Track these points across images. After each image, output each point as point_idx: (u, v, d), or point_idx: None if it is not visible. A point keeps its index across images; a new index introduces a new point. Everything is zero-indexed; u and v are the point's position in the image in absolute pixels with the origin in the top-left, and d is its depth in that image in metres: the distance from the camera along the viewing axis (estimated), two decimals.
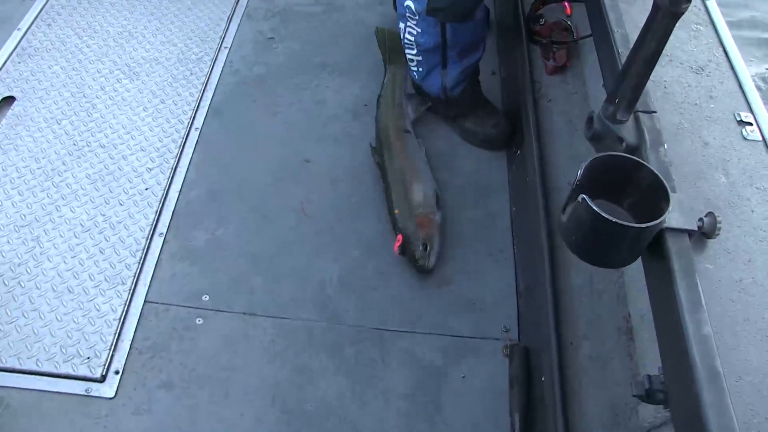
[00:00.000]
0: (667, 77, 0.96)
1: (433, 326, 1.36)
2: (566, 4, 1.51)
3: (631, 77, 0.82)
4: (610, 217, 0.73)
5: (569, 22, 1.50)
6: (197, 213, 1.49)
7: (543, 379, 1.19)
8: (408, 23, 1.52)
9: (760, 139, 0.87)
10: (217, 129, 1.66)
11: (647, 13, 0.78)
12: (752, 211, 0.81)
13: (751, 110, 0.90)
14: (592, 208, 0.74)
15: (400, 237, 1.43)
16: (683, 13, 0.73)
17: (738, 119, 0.89)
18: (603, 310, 1.09)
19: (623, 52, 0.93)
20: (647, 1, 0.96)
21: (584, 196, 0.76)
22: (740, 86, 0.93)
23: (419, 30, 1.51)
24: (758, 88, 0.92)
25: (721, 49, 0.99)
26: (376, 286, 1.41)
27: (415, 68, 1.61)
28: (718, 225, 0.76)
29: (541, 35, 1.54)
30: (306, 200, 1.54)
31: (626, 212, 0.83)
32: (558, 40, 1.49)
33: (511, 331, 1.35)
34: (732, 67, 0.97)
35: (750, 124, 0.89)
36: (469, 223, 1.53)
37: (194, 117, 1.67)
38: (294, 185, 1.56)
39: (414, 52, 1.57)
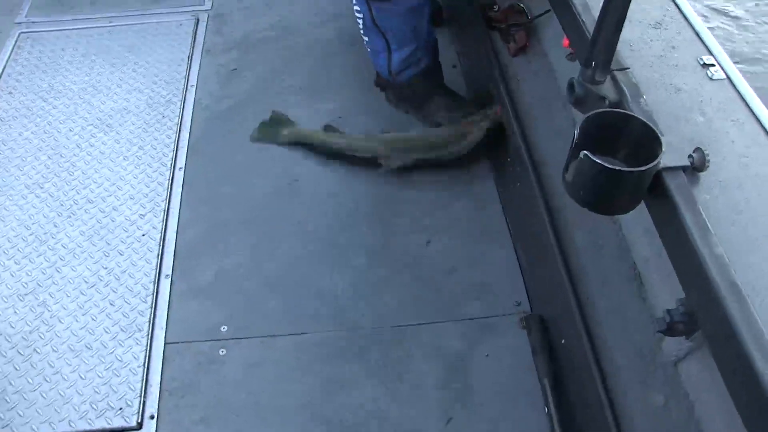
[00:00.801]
0: (631, 36, 1.04)
1: (449, 314, 1.41)
2: None
3: (602, 41, 0.90)
4: (613, 166, 0.80)
5: (522, 5, 1.59)
6: (199, 250, 1.53)
7: (563, 341, 1.26)
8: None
9: (724, 77, 0.96)
10: (200, 166, 1.70)
11: None
12: (732, 142, 0.89)
13: (710, 52, 0.99)
14: (595, 161, 0.82)
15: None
16: None
17: (701, 63, 0.98)
18: (609, 263, 1.16)
19: (587, 20, 1.01)
20: None
21: (586, 152, 0.83)
22: (696, 33, 1.02)
23: (357, 8, 1.62)
24: (710, 29, 1.01)
25: (672, 2, 1.08)
26: (387, 287, 1.46)
27: (366, 45, 1.70)
28: (706, 159, 0.84)
29: (499, 21, 1.63)
30: (303, 219, 1.58)
31: (622, 163, 0.90)
32: (515, 23, 1.58)
33: (523, 304, 1.42)
34: (685, 17, 1.06)
35: (713, 65, 0.98)
36: (462, 211, 1.60)
37: (176, 158, 1.71)
38: (288, 206, 1.61)
39: (360, 29, 1.66)
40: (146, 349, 1.36)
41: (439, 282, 1.47)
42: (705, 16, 2.85)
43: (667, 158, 0.83)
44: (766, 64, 2.71)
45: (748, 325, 0.68)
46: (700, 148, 0.85)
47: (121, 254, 1.52)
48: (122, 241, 1.54)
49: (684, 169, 0.85)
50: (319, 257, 1.51)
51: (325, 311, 1.42)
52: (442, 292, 1.45)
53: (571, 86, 0.99)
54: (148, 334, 1.38)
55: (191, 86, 1.90)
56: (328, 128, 1.74)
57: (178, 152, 1.72)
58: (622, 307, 1.09)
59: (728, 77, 0.96)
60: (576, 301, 1.16)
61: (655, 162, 0.82)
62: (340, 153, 1.69)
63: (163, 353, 1.36)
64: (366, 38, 1.67)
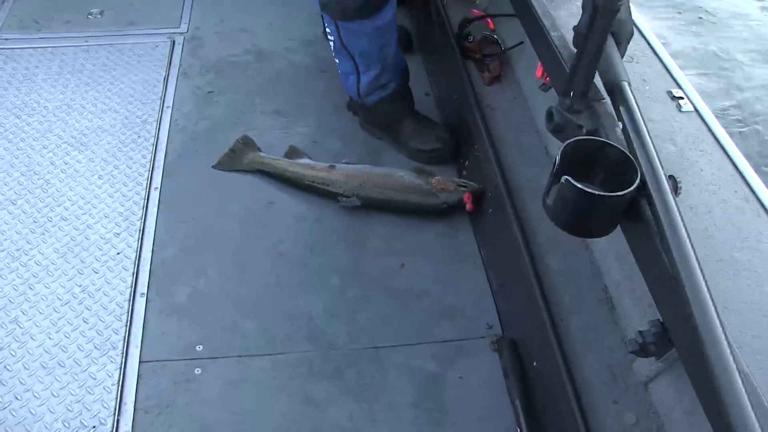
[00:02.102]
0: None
1: (421, 336, 1.42)
2: (488, 20, 1.65)
3: (581, 72, 0.94)
4: (594, 191, 0.83)
5: (495, 36, 1.63)
6: (175, 269, 1.51)
7: (535, 363, 1.28)
8: (324, 22, 1.66)
9: (692, 109, 1.01)
10: (176, 186, 1.69)
11: (574, 16, 0.90)
12: (701, 170, 0.93)
13: (679, 86, 1.04)
14: (576, 186, 0.84)
15: (467, 196, 1.58)
16: (618, 10, 0.85)
17: (671, 96, 1.03)
18: (581, 287, 1.19)
19: (564, 51, 1.05)
20: (571, 4, 1.09)
21: (567, 177, 0.86)
22: (665, 67, 1.07)
23: (328, 30, 1.64)
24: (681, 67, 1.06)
25: (642, 39, 1.13)
26: (361, 309, 1.46)
27: (338, 69, 1.72)
28: (679, 185, 0.88)
29: (473, 51, 1.67)
30: (278, 240, 1.58)
31: (599, 187, 0.93)
32: (490, 53, 1.62)
33: (495, 327, 1.43)
34: (655, 53, 1.11)
35: (681, 98, 1.02)
36: (434, 235, 1.61)
37: (151, 177, 1.69)
38: (263, 229, 1.61)
39: (332, 51, 1.68)
40: (121, 368, 1.33)
41: (412, 304, 1.48)
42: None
43: (642, 184, 0.87)
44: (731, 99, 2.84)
45: (720, 343, 0.71)
46: (673, 176, 0.88)
47: (96, 272, 1.49)
48: (97, 259, 1.51)
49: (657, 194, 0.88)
50: (293, 279, 1.51)
51: (300, 332, 1.41)
52: (415, 314, 1.46)
53: (550, 114, 1.02)
54: (122, 352, 1.36)
55: (167, 107, 1.89)
56: (292, 153, 1.73)
57: (154, 172, 1.71)
58: (593, 329, 1.12)
59: (696, 110, 1.00)
60: (548, 324, 1.18)
61: (632, 188, 0.85)
62: (300, 183, 1.68)
63: (138, 371, 1.33)
64: (337, 60, 1.70)
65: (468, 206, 1.58)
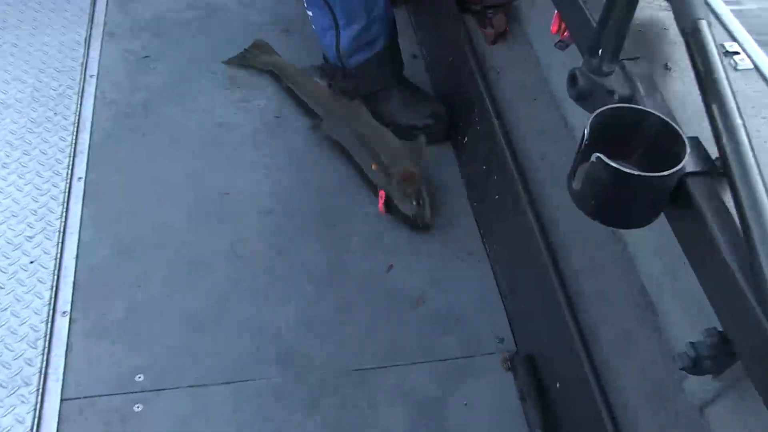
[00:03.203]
0: (639, 21, 1.06)
1: (418, 353, 1.41)
2: None
3: (612, 25, 0.91)
4: (632, 170, 0.81)
5: None
6: (107, 278, 1.48)
7: (558, 385, 1.26)
8: None
9: (751, 66, 0.99)
10: (106, 174, 1.66)
11: None
12: (765, 142, 0.91)
13: (734, 39, 1.02)
14: (610, 165, 0.82)
15: (382, 193, 1.60)
16: None
17: (724, 51, 1.00)
18: (614, 289, 1.18)
19: (590, 1, 1.02)
20: None
21: (598, 154, 0.83)
22: (717, 16, 1.04)
23: None
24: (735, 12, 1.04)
25: None
26: (342, 320, 1.45)
27: (312, 24, 1.72)
28: None
29: (473, 2, 1.65)
30: (237, 239, 1.56)
31: (636, 167, 0.91)
32: (493, 4, 1.60)
33: (506, 340, 1.42)
34: None
35: (737, 53, 1.00)
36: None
37: (73, 165, 1.65)
38: (217, 224, 1.59)
39: (304, 3, 1.67)
40: (35, 409, 1.28)
41: (404, 314, 1.47)
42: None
43: (691, 161, 0.84)
44: None
45: None
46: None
47: (2, 287, 1.45)
48: (2, 271, 1.47)
49: (710, 173, 0.86)
50: (256, 287, 1.49)
51: (266, 352, 1.39)
52: (408, 326, 1.45)
53: (573, 78, 1.00)
54: (38, 389, 1.31)
55: (91, 76, 1.86)
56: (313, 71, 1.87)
57: (76, 158, 1.67)
58: (631, 341, 1.10)
59: (756, 66, 0.98)
60: (574, 335, 1.16)
61: (679, 166, 0.83)
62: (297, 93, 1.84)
63: (59, 413, 1.29)
64: (310, 13, 1.68)
65: (380, 204, 1.62)
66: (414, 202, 1.57)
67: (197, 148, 1.73)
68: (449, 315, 1.47)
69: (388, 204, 1.60)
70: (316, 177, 1.70)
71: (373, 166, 1.64)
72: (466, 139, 1.70)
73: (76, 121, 1.75)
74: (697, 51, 0.85)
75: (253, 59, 1.93)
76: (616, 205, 0.86)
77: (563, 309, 1.20)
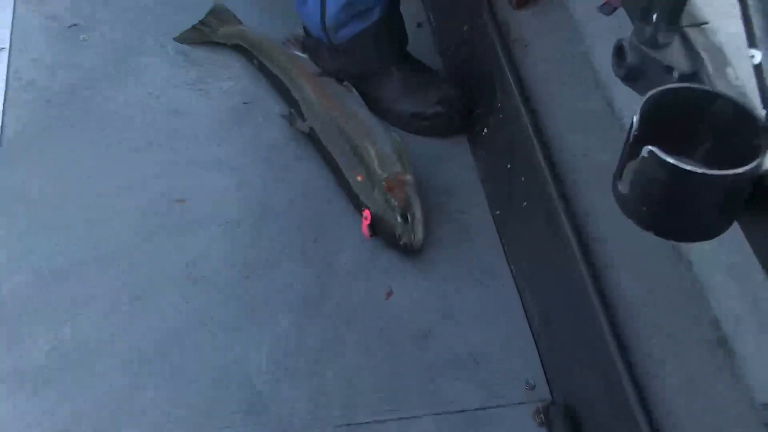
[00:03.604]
0: None
1: (424, 402, 1.40)
2: None
3: None
4: (696, 168, 0.80)
5: None
6: (26, 311, 1.48)
7: None
8: None
9: None
10: (23, 179, 1.66)
11: None
12: None
13: None
14: (667, 161, 0.81)
15: (367, 213, 1.59)
16: None
17: None
18: (676, 321, 1.16)
19: None
20: None
21: (652, 148, 0.82)
22: None
23: None
24: None
25: None
26: (328, 359, 1.44)
27: None
28: None
29: None
30: (195, 257, 1.56)
31: (700, 164, 0.90)
32: None
33: (539, 387, 1.42)
34: None
35: None
36: (437, 245, 1.61)
37: None
38: (169, 240, 1.59)
39: None
40: None
41: (406, 354, 1.46)
42: None
43: None
44: None
45: None
46: None
47: None
48: None
49: None
50: (219, 319, 1.49)
51: (234, 403, 1.39)
52: (411, 369, 1.45)
53: (619, 51, 0.99)
54: None
55: (0, 49, 1.87)
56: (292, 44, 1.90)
57: None
58: (700, 389, 1.09)
59: None
60: (626, 380, 1.15)
61: (757, 161, 0.82)
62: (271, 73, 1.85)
63: None
64: None
65: (363, 226, 1.61)
66: (399, 218, 1.56)
67: (142, 143, 1.74)
68: (464, 354, 1.46)
69: (375, 225, 1.60)
70: (295, 179, 1.70)
71: (359, 177, 1.64)
72: (485, 130, 1.70)
73: None
74: None
75: (212, 33, 1.94)
76: (675, 213, 0.85)
77: (611, 347, 1.19)
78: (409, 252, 1.57)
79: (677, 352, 1.15)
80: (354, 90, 1.77)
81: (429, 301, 1.53)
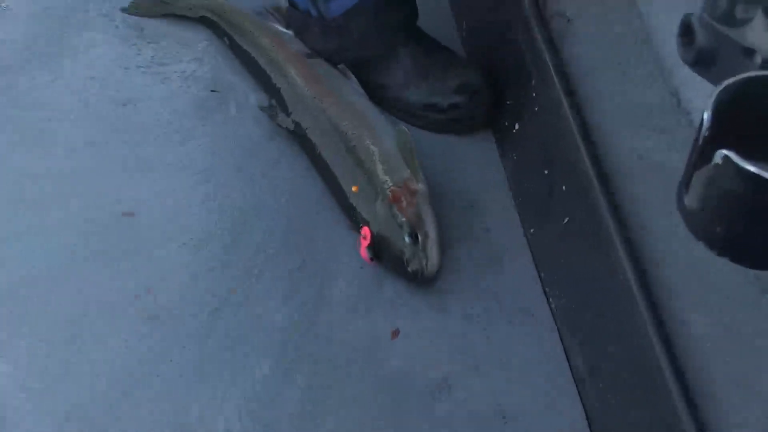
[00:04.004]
0: None
1: None
2: None
3: None
4: None
5: None
6: None
7: None
8: None
9: None
10: None
11: None
12: None
13: None
14: (746, 169, 0.81)
15: (366, 231, 1.57)
16: None
17: None
18: (763, 370, 1.16)
19: None
20: None
21: (726, 152, 0.83)
22: None
23: None
24: None
25: None
26: (317, 416, 1.45)
27: None
28: None
29: None
30: (146, 288, 1.56)
31: None
32: None
33: None
34: None
35: None
36: (456, 272, 1.62)
37: None
38: (115, 264, 1.59)
39: None
40: None
41: (418, 408, 1.47)
42: None
43: None
44: None
45: None
46: None
47: None
48: None
49: None
50: (180, 362, 1.49)
51: None
52: (424, 428, 1.45)
53: (687, 30, 1.00)
54: None
55: None
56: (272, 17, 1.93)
57: None
58: None
59: None
60: None
61: None
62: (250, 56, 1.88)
63: None
64: None
65: (361, 248, 1.59)
66: (408, 238, 1.56)
67: (81, 141, 1.75)
68: (490, 411, 1.46)
69: (378, 247, 1.59)
70: (277, 188, 1.71)
71: (354, 189, 1.64)
72: (516, 126, 1.71)
73: None
74: None
75: (172, 2, 1.97)
76: (757, 235, 0.86)
77: (677, 403, 1.19)
78: (421, 281, 1.56)
79: (764, 411, 1.15)
80: (351, 76, 1.78)
81: (445, 343, 1.53)
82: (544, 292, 1.60)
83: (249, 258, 1.62)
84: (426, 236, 1.55)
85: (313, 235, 1.65)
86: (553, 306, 1.58)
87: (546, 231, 1.62)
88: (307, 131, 1.71)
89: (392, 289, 1.59)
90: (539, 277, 1.62)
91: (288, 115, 1.74)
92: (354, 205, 1.63)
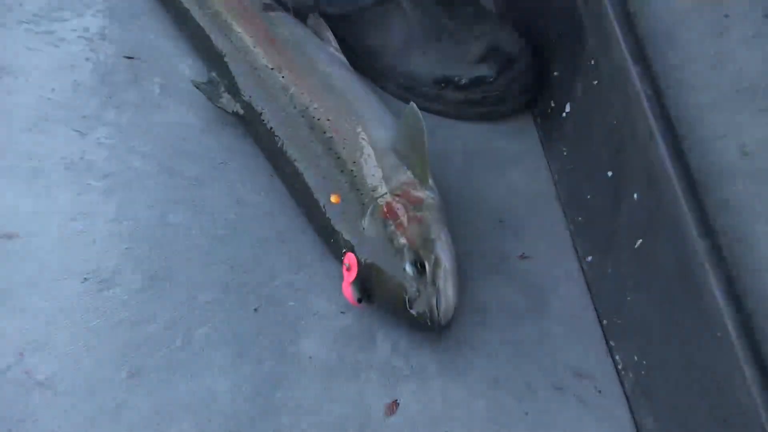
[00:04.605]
0: None
1: None
2: None
3: None
4: None
5: None
6: None
7: None
8: None
9: None
10: None
11: None
12: None
13: None
14: None
15: (350, 258, 1.56)
16: None
17: None
18: None
19: None
20: None
21: None
22: None
23: None
24: None
25: None
26: None
27: None
28: None
29: None
30: (26, 343, 1.55)
31: None
32: None
33: None
34: None
35: None
36: (479, 314, 1.64)
37: None
38: None
39: None
40: None
41: None
42: None
43: None
44: None
45: None
46: None
47: None
48: None
49: None
50: None
51: None
52: None
53: None
54: None
55: None
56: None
57: None
58: None
59: None
60: None
61: None
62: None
63: None
64: None
65: (344, 284, 1.57)
66: (409, 267, 1.54)
67: None
68: None
69: (365, 282, 1.56)
70: (220, 200, 1.72)
71: (333, 199, 1.62)
72: (567, 109, 1.72)
73: None
74: None
75: None
76: None
77: None
78: (429, 329, 1.54)
79: None
80: (329, 35, 1.78)
81: (464, 420, 1.54)
82: (608, 347, 1.60)
83: (175, 305, 1.61)
84: (436, 264, 1.53)
85: (272, 269, 1.66)
86: (619, 367, 1.58)
87: (610, 259, 1.62)
88: (262, 118, 1.70)
89: (388, 343, 1.60)
90: (600, 325, 1.62)
91: (235, 94, 1.74)
92: (333, 222, 1.61)
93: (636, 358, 1.55)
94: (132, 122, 1.77)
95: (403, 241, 1.54)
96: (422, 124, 1.60)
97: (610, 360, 1.59)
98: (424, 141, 1.60)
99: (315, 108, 1.68)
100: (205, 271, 1.65)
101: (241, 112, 1.72)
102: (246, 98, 1.72)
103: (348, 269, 1.55)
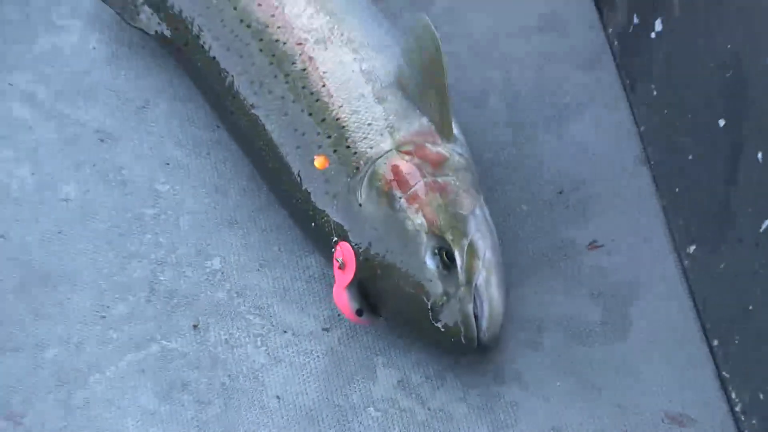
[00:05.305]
0: None
1: None
2: None
3: None
4: None
5: None
6: None
7: None
8: None
9: None
10: None
11: None
12: None
13: None
14: None
15: (344, 251, 1.55)
16: None
17: None
18: None
19: None
20: None
21: None
22: None
23: None
24: None
25: None
26: None
27: None
28: None
29: None
30: None
31: None
32: None
33: None
34: None
35: None
36: (539, 332, 1.65)
37: None
38: None
39: None
40: None
41: None
42: None
43: None
44: None
45: None
46: None
47: None
48: None
49: None
50: None
51: None
52: None
53: None
54: None
55: None
56: None
57: None
58: None
59: None
60: None
61: None
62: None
63: None
64: None
65: (336, 287, 1.56)
66: (431, 257, 1.55)
67: None
68: None
69: (366, 284, 1.55)
70: (144, 160, 1.75)
71: (318, 163, 1.61)
72: (656, 26, 1.73)
73: None
74: None
75: None
76: None
77: None
78: (465, 351, 1.54)
79: None
80: None
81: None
82: (719, 380, 1.61)
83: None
84: (472, 254, 1.53)
85: (224, 266, 1.69)
86: (737, 409, 1.57)
87: (723, 250, 1.62)
88: (201, 41, 1.71)
89: (393, 374, 1.62)
90: (708, 347, 1.63)
91: (159, 8, 1.75)
92: (314, 197, 1.60)
93: (762, 396, 1.57)
94: (11, 50, 1.81)
95: (419, 221, 1.53)
96: (438, 44, 1.59)
97: (724, 399, 1.59)
98: (443, 69, 1.58)
99: (279, 27, 1.69)
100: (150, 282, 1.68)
101: (168, 33, 1.73)
102: (176, 12, 1.73)
103: (341, 267, 1.54)
